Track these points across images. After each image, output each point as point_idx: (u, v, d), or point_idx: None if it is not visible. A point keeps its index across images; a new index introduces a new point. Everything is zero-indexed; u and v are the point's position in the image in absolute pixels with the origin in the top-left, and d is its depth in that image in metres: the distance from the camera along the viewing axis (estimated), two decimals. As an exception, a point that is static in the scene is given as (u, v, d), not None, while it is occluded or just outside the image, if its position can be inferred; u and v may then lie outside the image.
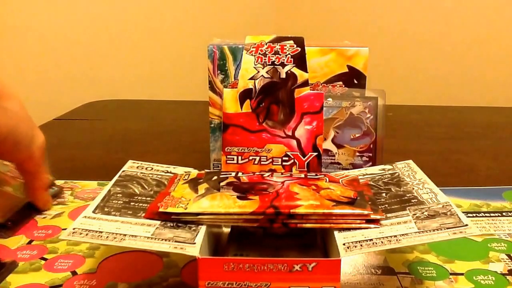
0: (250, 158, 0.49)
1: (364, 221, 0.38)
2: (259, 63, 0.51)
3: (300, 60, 0.51)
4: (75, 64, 1.51)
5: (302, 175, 0.46)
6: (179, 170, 0.49)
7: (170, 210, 0.39)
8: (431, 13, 1.55)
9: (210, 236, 0.39)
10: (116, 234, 0.37)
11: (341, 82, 0.57)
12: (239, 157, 0.49)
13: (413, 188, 0.44)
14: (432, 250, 0.46)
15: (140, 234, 0.37)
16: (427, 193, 0.42)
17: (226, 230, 0.45)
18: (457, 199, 0.57)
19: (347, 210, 0.38)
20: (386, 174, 0.47)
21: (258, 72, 0.51)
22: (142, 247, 0.35)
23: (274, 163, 0.49)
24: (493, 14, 1.50)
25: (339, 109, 0.57)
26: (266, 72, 0.50)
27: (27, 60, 1.48)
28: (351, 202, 0.40)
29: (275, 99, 0.50)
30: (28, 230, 0.49)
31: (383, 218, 0.39)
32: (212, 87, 0.58)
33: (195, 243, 0.36)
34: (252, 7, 1.67)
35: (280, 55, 0.51)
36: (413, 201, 0.41)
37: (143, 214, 0.40)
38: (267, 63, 0.51)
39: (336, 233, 0.37)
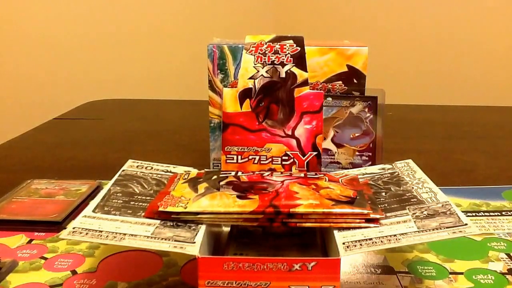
0: (250, 157, 0.49)
1: (363, 220, 0.38)
2: (258, 62, 0.51)
3: (299, 60, 0.51)
4: (75, 64, 1.51)
5: (302, 175, 0.46)
6: (179, 169, 0.49)
7: (170, 209, 0.39)
8: (431, 12, 1.55)
9: (209, 235, 0.39)
10: (116, 233, 0.37)
11: (340, 82, 0.57)
12: (239, 157, 0.49)
13: (412, 188, 0.44)
14: (432, 249, 0.46)
15: (140, 233, 0.37)
16: (427, 193, 0.42)
17: (226, 229, 0.45)
18: (456, 198, 0.57)
19: (347, 210, 0.38)
20: (385, 174, 0.48)
21: (258, 71, 0.51)
22: (142, 246, 0.35)
23: (273, 162, 0.49)
24: (493, 14, 1.50)
25: (339, 109, 0.57)
26: (266, 72, 0.50)
27: (27, 60, 1.49)
28: (351, 202, 0.40)
29: (275, 98, 0.50)
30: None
31: (383, 217, 0.39)
32: (212, 87, 0.58)
33: (195, 242, 0.36)
34: (252, 6, 1.67)
35: (279, 54, 0.51)
36: (412, 200, 0.41)
37: (143, 213, 0.40)
38: (267, 62, 0.51)
39: (335, 232, 0.37)
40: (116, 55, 1.54)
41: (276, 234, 0.43)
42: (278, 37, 0.52)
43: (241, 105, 0.50)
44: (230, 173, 0.46)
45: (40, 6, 1.46)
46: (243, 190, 0.42)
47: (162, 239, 0.36)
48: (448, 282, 0.41)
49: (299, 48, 0.51)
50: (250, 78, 0.50)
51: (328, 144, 0.58)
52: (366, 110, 0.57)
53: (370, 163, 0.57)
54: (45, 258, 0.44)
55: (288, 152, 0.49)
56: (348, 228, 0.38)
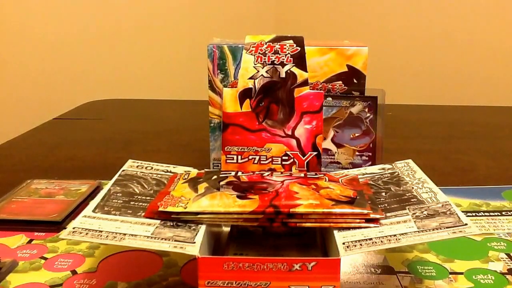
0: (250, 157, 0.49)
1: (363, 220, 0.38)
2: (258, 62, 0.51)
3: (299, 60, 0.51)
4: (75, 64, 1.51)
5: (302, 175, 0.46)
6: (179, 169, 0.49)
7: (170, 209, 0.39)
8: (431, 12, 1.55)
9: (210, 235, 0.40)
10: (116, 233, 0.37)
11: (340, 82, 0.57)
12: (239, 157, 0.49)
13: (412, 188, 0.44)
14: (432, 249, 0.46)
15: (140, 233, 0.37)
16: (427, 193, 0.42)
17: (226, 229, 0.45)
18: (456, 198, 0.57)
19: (347, 210, 0.38)
20: (385, 174, 0.48)
21: (258, 71, 0.51)
22: (142, 246, 0.35)
23: (273, 162, 0.49)
24: (493, 14, 1.50)
25: (339, 109, 0.57)
26: (266, 72, 0.50)
27: (27, 60, 1.49)
28: (351, 202, 0.40)
29: (275, 98, 0.50)
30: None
31: (383, 217, 0.39)
32: (212, 87, 0.58)
33: (195, 242, 0.36)
34: (252, 6, 1.67)
35: (279, 54, 0.51)
36: (412, 200, 0.41)
37: (143, 214, 0.40)
38: (267, 62, 0.51)
39: (335, 232, 0.37)
40: (116, 55, 1.54)
41: (276, 234, 0.43)
42: (278, 37, 0.52)
43: (241, 105, 0.50)
44: (230, 173, 0.46)
45: (40, 6, 1.46)
46: (243, 190, 0.42)
47: (162, 239, 0.36)
48: (448, 282, 0.41)
49: (299, 48, 0.51)
50: (250, 78, 0.50)
51: (328, 144, 0.58)
52: (366, 110, 0.57)
53: (370, 163, 0.57)
54: (45, 258, 0.44)
55: (288, 152, 0.49)
56: (348, 228, 0.38)
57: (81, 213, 0.39)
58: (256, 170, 0.48)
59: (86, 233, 0.36)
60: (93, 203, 0.41)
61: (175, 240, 0.36)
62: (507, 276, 0.41)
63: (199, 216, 0.39)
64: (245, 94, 0.50)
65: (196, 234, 0.37)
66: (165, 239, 0.36)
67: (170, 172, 0.48)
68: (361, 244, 0.36)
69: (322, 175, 0.46)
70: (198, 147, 0.75)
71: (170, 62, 1.58)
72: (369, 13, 1.61)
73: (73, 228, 0.37)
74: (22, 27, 1.45)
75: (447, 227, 0.36)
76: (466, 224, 0.36)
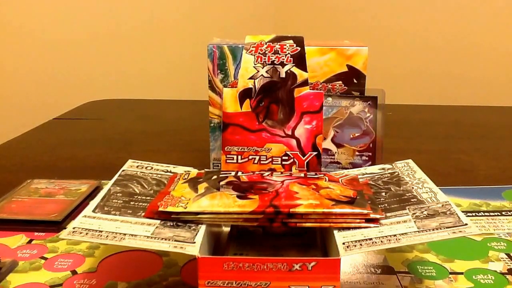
0: (250, 157, 0.49)
1: (363, 220, 0.38)
2: (258, 62, 0.51)
3: (299, 60, 0.51)
4: (75, 64, 1.51)
5: (302, 175, 0.46)
6: (179, 169, 0.49)
7: (170, 209, 0.39)
8: (431, 12, 1.55)
9: (210, 235, 0.40)
10: (116, 233, 0.37)
11: (340, 82, 0.57)
12: (239, 157, 0.49)
13: (412, 188, 0.44)
14: (432, 249, 0.46)
15: (140, 233, 0.37)
16: (427, 193, 0.42)
17: (226, 229, 0.45)
18: (456, 198, 0.57)
19: (347, 210, 0.38)
20: (385, 174, 0.48)
21: (258, 71, 0.51)
22: (142, 246, 0.35)
23: (273, 162, 0.49)
24: (493, 14, 1.50)
25: (339, 109, 0.57)
26: (266, 72, 0.50)
27: (27, 60, 1.49)
28: (351, 202, 0.40)
29: (275, 98, 0.50)
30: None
31: (383, 217, 0.39)
32: (212, 87, 0.58)
33: (195, 242, 0.36)
34: (252, 6, 1.67)
35: (279, 54, 0.51)
36: (412, 200, 0.41)
37: (143, 214, 0.40)
38: (267, 62, 0.51)
39: (335, 232, 0.37)
40: (116, 55, 1.54)
41: (276, 234, 0.43)
42: (278, 37, 0.52)
43: (241, 105, 0.50)
44: (230, 173, 0.46)
45: (40, 6, 1.46)
46: (243, 190, 0.42)
47: (162, 239, 0.36)
48: (448, 282, 0.41)
49: (299, 48, 0.51)
50: (250, 78, 0.50)
51: (328, 144, 0.58)
52: (366, 110, 0.57)
53: (370, 163, 0.57)
54: (45, 258, 0.44)
55: (288, 152, 0.49)
56: (348, 228, 0.38)
57: (81, 213, 0.39)
58: (256, 170, 0.48)
59: (86, 233, 0.36)
60: (93, 203, 0.41)
61: (175, 240, 0.36)
62: (507, 276, 0.41)
63: (199, 216, 0.39)
64: (245, 94, 0.50)
65: (196, 234, 0.37)
66: (165, 239, 0.36)
67: (170, 172, 0.48)
68: (361, 244, 0.36)
69: (322, 175, 0.46)
70: (198, 147, 0.75)
71: (170, 62, 1.58)
72: (369, 13, 1.61)
73: (73, 228, 0.37)
74: (22, 27, 1.46)
75: (447, 227, 0.36)
76: (466, 224, 0.36)
